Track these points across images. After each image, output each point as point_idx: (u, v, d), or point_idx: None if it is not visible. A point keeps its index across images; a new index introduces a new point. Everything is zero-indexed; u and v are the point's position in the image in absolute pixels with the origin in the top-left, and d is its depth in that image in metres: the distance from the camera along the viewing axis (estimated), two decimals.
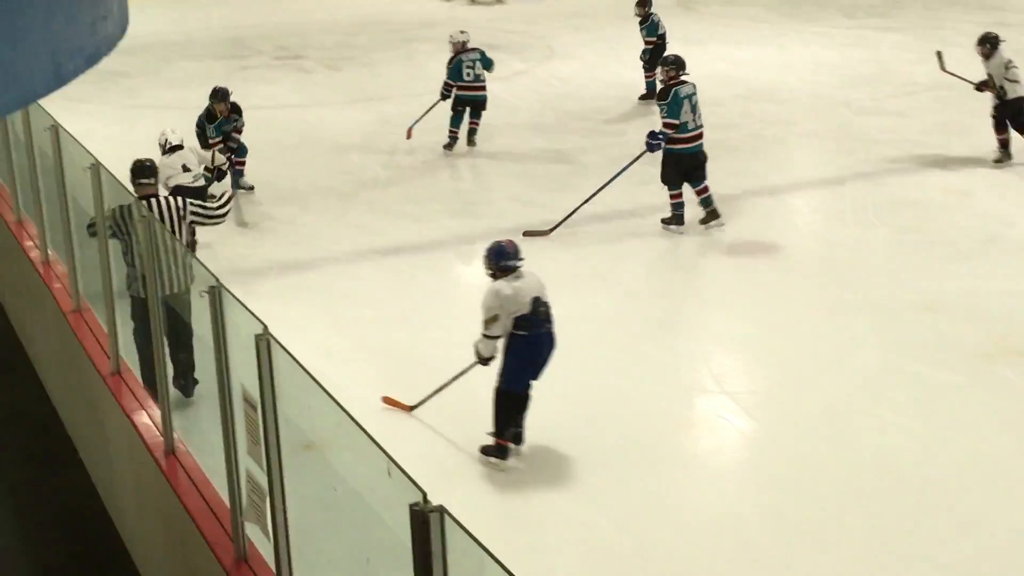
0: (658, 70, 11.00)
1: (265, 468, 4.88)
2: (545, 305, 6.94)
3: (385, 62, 18.75)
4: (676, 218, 10.64)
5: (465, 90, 13.20)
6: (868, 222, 10.92)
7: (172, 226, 7.59)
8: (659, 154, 10.58)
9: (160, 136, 10.22)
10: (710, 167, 10.60)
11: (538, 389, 7.03)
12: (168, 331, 6.91)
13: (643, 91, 15.24)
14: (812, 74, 16.90)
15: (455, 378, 7.31)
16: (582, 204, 10.75)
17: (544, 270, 9.64)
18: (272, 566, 5.05)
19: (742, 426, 7.59)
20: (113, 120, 15.06)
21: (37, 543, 7.94)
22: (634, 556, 6.27)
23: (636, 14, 15.41)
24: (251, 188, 11.92)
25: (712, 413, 7.79)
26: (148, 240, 6.59)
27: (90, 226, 7.53)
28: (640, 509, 6.61)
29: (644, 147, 10.64)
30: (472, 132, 13.34)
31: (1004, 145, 12.20)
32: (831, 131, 14.01)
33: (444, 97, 13.30)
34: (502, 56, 18.87)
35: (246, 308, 4.99)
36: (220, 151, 10.67)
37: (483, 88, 13.27)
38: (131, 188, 7.50)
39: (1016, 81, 12.04)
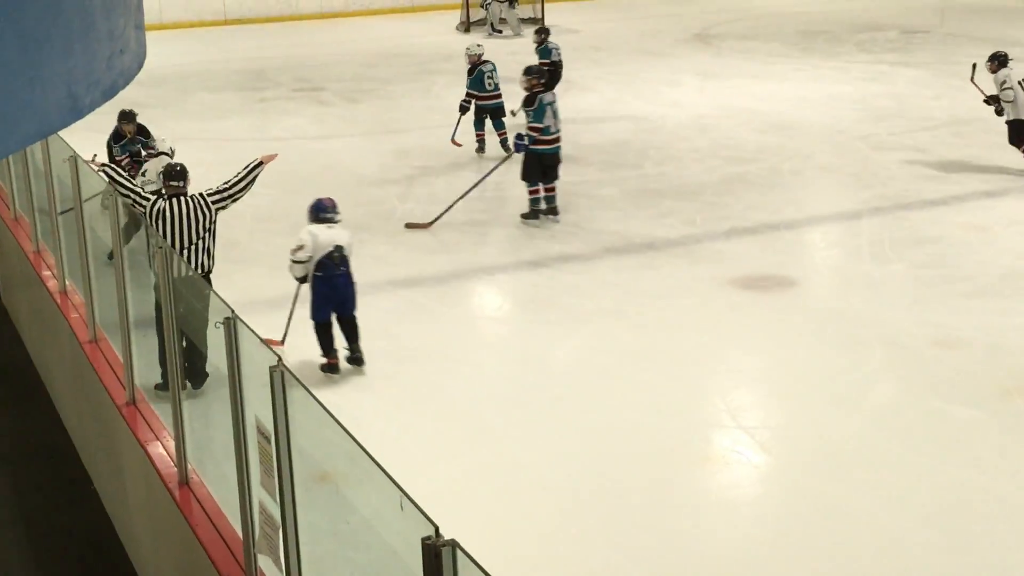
0: (522, 79, 12.08)
1: (278, 500, 4.87)
2: (341, 251, 8.47)
3: (403, 94, 18.83)
4: (534, 213, 11.95)
5: (486, 100, 14.50)
6: (885, 257, 10.89)
7: (199, 221, 8.27)
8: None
9: (159, 143, 11.14)
10: (725, 199, 10.66)
11: (555, 420, 7.01)
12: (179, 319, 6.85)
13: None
14: (829, 108, 16.93)
15: (294, 303, 8.79)
16: (459, 199, 12.01)
17: (561, 304, 9.65)
18: None
19: (757, 461, 7.56)
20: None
21: (52, 573, 7.94)
22: None
23: (534, 40, 16.68)
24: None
25: (728, 448, 7.76)
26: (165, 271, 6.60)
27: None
28: (655, 543, 6.57)
29: (512, 145, 12.13)
30: (504, 140, 14.33)
31: None
32: (848, 165, 14.01)
33: (464, 109, 14.47)
34: (520, 89, 18.97)
35: (260, 339, 5.00)
36: (124, 165, 11.25)
37: (501, 96, 14.57)
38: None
39: (1009, 101, 12.97)
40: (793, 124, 16.00)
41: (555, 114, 11.82)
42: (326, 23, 27.70)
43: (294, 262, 8.60)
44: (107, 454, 8.08)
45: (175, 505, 6.22)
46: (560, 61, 16.45)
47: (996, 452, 7.43)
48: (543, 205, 11.99)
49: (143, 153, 11.79)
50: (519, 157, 12.03)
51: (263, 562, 5.31)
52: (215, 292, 6.19)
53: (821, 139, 15.20)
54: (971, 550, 6.49)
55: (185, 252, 8.16)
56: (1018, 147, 13.03)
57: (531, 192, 11.95)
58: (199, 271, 8.15)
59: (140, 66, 2.77)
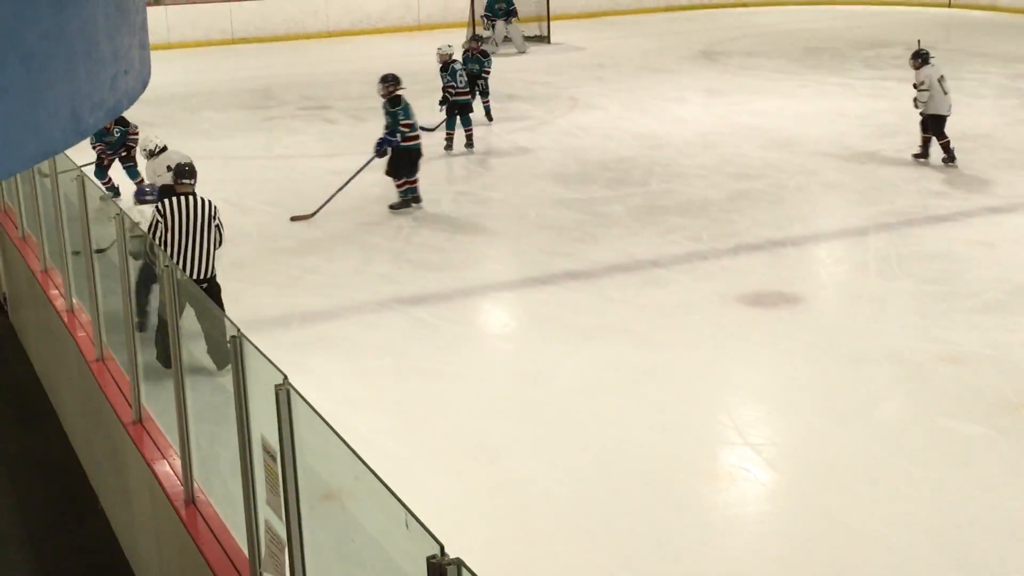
0: (379, 86, 13.24)
1: (284, 518, 4.87)
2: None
3: None
4: (404, 203, 13.21)
5: (459, 95, 15.84)
6: (892, 273, 10.89)
7: (204, 222, 8.63)
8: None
9: (146, 141, 11.67)
10: (731, 216, 10.69)
11: (561, 437, 7.01)
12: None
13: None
14: (835, 125, 16.94)
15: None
16: (337, 191, 13.13)
17: (566, 321, 9.64)
18: None
19: (764, 478, 7.54)
20: (138, 169, 15.17)
21: None
22: None
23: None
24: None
25: (735, 465, 7.74)
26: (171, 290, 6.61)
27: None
28: (662, 561, 6.56)
29: (375, 148, 13.19)
30: (470, 138, 15.85)
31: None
32: (854, 182, 14.01)
33: (446, 100, 15.81)
34: (525, 106, 19.03)
35: (266, 357, 5.00)
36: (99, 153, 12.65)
37: (469, 93, 16.13)
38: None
39: (924, 100, 14.18)
40: (799, 140, 16.01)
41: (413, 114, 13.25)
42: (332, 42, 27.80)
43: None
44: (114, 472, 8.08)
45: (181, 523, 6.22)
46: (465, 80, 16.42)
47: (1003, 469, 7.41)
48: (410, 196, 13.29)
49: (127, 138, 12.97)
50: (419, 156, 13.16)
51: None
52: (221, 310, 6.20)
53: (827, 155, 15.21)
54: (979, 568, 6.46)
55: (197, 248, 8.59)
56: (939, 140, 14.14)
57: (399, 186, 13.23)
58: (209, 269, 8.69)
59: (144, 86, 2.78)
